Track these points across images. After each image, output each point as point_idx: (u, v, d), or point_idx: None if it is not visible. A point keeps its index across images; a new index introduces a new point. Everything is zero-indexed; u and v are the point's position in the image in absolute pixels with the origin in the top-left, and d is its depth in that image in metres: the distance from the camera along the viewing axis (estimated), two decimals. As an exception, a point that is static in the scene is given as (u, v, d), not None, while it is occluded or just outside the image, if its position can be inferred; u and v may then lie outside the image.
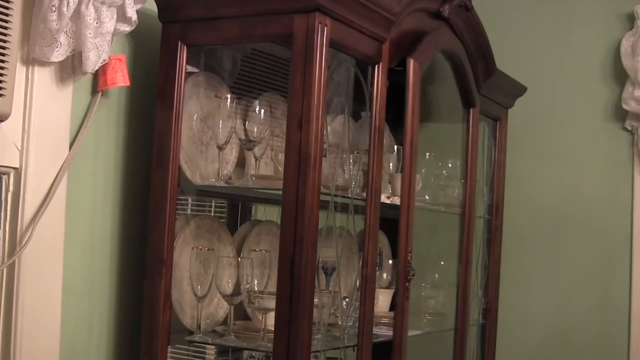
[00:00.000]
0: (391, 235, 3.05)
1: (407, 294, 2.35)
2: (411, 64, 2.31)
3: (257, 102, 2.25)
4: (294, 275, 1.96)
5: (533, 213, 3.43)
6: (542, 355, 3.37)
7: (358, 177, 2.31)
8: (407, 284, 2.34)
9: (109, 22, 1.97)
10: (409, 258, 2.35)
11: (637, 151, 3.23)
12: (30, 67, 1.98)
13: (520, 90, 3.20)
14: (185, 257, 2.25)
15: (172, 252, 2.16)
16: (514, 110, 3.24)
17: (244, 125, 2.21)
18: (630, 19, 3.25)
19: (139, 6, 2.05)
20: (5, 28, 1.86)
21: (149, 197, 2.18)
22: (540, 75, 3.42)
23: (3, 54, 1.86)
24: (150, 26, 2.23)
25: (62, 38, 1.93)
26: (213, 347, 2.42)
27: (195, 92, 2.27)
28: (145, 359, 2.13)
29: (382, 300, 2.82)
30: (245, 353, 2.50)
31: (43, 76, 2.00)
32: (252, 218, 2.66)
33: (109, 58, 2.04)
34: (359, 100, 2.29)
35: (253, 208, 2.69)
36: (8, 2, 1.87)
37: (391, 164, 2.70)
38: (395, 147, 2.78)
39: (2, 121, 1.91)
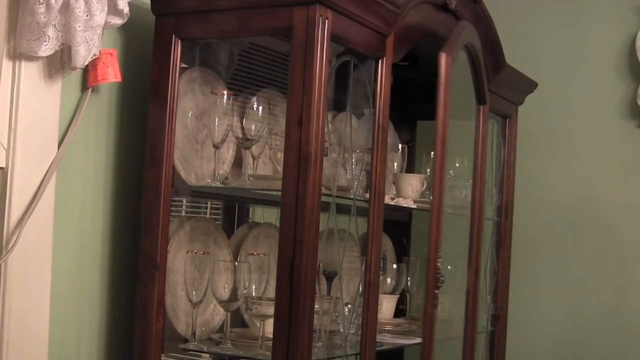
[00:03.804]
0: (395, 238, 3.06)
1: (436, 302, 2.33)
2: (443, 57, 2.29)
3: (255, 98, 2.25)
4: (294, 280, 1.96)
5: (544, 215, 3.43)
6: (554, 364, 3.37)
7: (361, 178, 2.31)
8: (436, 292, 2.32)
9: (100, 14, 1.97)
10: (438, 264, 2.32)
11: (654, 150, 3.23)
12: (17, 62, 1.98)
13: (530, 86, 3.20)
14: (179, 261, 2.25)
15: (165, 256, 2.16)
16: (524, 107, 3.23)
17: (241, 123, 2.21)
18: (646, 11, 3.26)
19: (131, -2, 2.05)
20: (-9, 21, 1.86)
21: (141, 198, 2.18)
22: (552, 71, 3.42)
23: (-12, 48, 1.86)
24: (143, 19, 2.22)
25: (51, 31, 1.93)
26: (208, 355, 2.41)
27: (190, 88, 2.27)
28: (137, 368, 2.14)
29: (386, 306, 2.82)
30: (243, 362, 2.50)
31: (30, 72, 2.00)
32: (250, 220, 2.66)
33: (100, 52, 2.04)
34: (362, 97, 2.28)
35: (251, 210, 2.69)
36: (-6, -7, 1.87)
37: (395, 164, 2.70)
38: (400, 146, 2.78)
39: (-12, 119, 1.91)
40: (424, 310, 2.35)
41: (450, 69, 2.33)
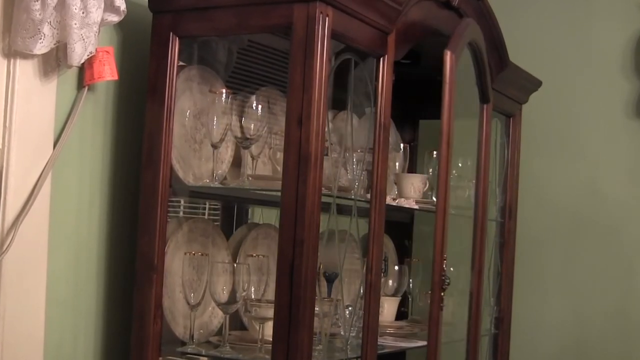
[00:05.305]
0: (397, 239, 3.05)
1: (442, 305, 2.32)
2: (448, 56, 2.29)
3: (254, 97, 2.25)
4: (294, 282, 1.95)
5: (548, 215, 3.42)
6: (558, 367, 3.37)
7: (362, 178, 2.30)
8: (442, 294, 2.31)
9: (96, 11, 1.96)
10: (444, 265, 2.32)
11: (660, 149, 3.23)
12: (12, 60, 1.97)
13: (534, 84, 3.20)
14: (177, 262, 2.24)
15: (163, 258, 2.15)
16: (528, 106, 3.23)
17: (240, 122, 2.21)
18: (652, 8, 3.25)
19: (127, -5, 2.05)
20: (-15, 18, 1.85)
21: (138, 198, 2.17)
22: (556, 69, 3.42)
23: (-18, 46, 1.85)
24: (140, 16, 2.22)
25: (46, 29, 1.92)
26: (207, 358, 2.41)
27: (188, 87, 2.27)
28: (134, 372, 2.13)
29: (388, 309, 2.82)
30: (242, 365, 2.50)
31: (25, 70, 2.00)
32: (249, 221, 2.65)
33: (96, 50, 2.04)
34: (363, 96, 2.28)
35: (250, 210, 2.69)
36: (-12, -10, 1.86)
37: (397, 164, 2.70)
38: (402, 145, 2.78)
39: (-18, 118, 1.90)
40: (429, 313, 2.35)
41: (455, 67, 2.33)
